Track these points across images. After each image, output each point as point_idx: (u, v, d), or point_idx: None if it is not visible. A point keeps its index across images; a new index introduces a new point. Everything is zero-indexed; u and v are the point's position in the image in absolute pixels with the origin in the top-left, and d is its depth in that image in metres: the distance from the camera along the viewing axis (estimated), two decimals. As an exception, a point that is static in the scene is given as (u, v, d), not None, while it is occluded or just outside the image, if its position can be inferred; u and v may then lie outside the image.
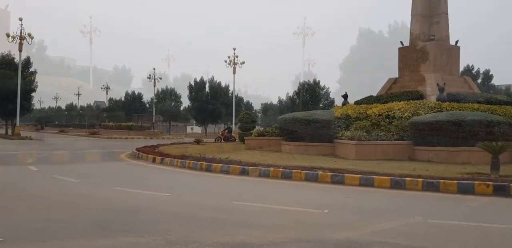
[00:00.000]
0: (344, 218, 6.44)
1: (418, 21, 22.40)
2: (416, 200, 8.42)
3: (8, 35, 37.66)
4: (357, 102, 22.24)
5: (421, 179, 9.58)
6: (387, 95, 21.23)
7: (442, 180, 9.39)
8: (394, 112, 17.70)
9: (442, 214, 6.92)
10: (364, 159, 14.01)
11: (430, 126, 14.20)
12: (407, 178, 9.71)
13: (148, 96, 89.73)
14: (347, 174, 10.42)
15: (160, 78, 63.69)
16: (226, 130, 32.78)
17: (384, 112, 18.00)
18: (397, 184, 9.66)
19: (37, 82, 43.59)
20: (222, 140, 30.80)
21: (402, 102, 18.35)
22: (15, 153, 19.92)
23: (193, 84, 70.43)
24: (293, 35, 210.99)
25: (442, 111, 16.41)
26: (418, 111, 17.09)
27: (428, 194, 8.97)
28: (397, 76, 23.46)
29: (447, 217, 6.57)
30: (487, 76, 58.71)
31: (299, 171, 11.11)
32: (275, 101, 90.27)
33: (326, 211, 6.87)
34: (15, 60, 42.03)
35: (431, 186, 9.36)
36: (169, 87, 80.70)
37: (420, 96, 19.83)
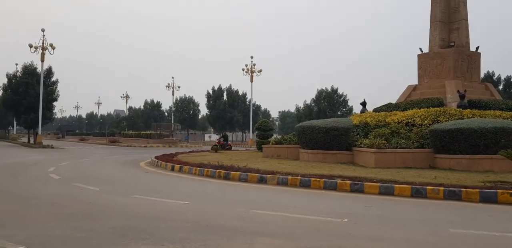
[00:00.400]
0: (364, 227, 6.36)
1: (437, 28, 22.20)
2: (438, 209, 8.28)
3: (30, 46, 38.62)
4: (376, 110, 22.07)
5: (442, 188, 9.42)
6: (407, 103, 21.01)
7: (464, 189, 9.23)
8: (414, 120, 17.50)
9: (465, 224, 6.78)
10: (383, 167, 13.85)
11: (451, 134, 13.98)
12: (428, 187, 9.57)
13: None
14: (366, 183, 10.32)
15: (179, 87, 64.22)
16: (222, 138, 31.59)
17: (403, 120, 17.82)
18: (418, 192, 9.52)
19: (58, 91, 44.47)
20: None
21: (422, 110, 18.14)
22: (37, 161, 20.27)
23: (211, 92, 70.94)
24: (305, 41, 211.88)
25: (463, 119, 16.17)
26: (438, 119, 16.87)
27: (449, 203, 8.82)
28: (415, 82, 23.25)
29: (470, 227, 6.43)
30: (509, 82, 57.71)
31: (318, 179, 11.04)
32: (292, 108, 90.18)
33: (346, 220, 6.79)
34: (38, 70, 42.97)
35: (452, 194, 9.21)
36: (187, 96, 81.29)
37: (441, 103, 19.59)
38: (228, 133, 48.55)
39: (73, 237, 5.43)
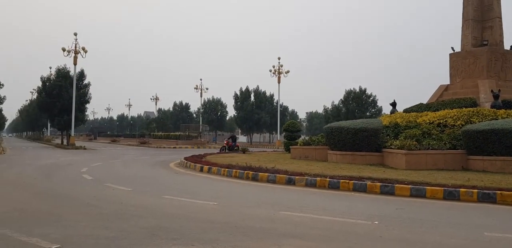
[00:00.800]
0: (395, 230, 6.25)
1: (470, 26, 21.70)
2: (472, 212, 8.08)
3: (63, 50, 39.69)
4: (406, 110, 21.72)
5: (476, 190, 9.20)
6: (438, 103, 20.60)
7: (499, 191, 8.98)
8: (446, 120, 17.14)
9: (500, 227, 6.59)
10: (414, 169, 13.60)
11: (485, 135, 13.61)
12: (461, 189, 9.35)
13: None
14: (397, 185, 10.16)
15: (207, 88, 64.71)
16: (230, 139, 30.61)
17: (435, 120, 17.47)
18: (451, 195, 9.31)
19: (90, 93, 45.50)
20: (227, 150, 29.54)
21: (454, 110, 17.74)
22: (71, 162, 20.80)
23: (238, 93, 71.18)
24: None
25: (497, 119, 15.73)
26: (471, 119, 16.47)
27: (484, 206, 8.61)
28: (448, 82, 22.76)
29: (505, 230, 6.26)
30: (546, 81, 55.71)
31: (347, 181, 10.94)
32: (320, 109, 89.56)
33: (376, 222, 6.70)
34: (70, 73, 44.10)
35: (487, 197, 8.98)
36: (215, 97, 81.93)
37: (474, 104, 19.12)
38: (257, 134, 48.16)
39: (105, 237, 5.55)
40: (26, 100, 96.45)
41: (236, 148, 30.46)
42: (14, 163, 20.09)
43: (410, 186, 9.96)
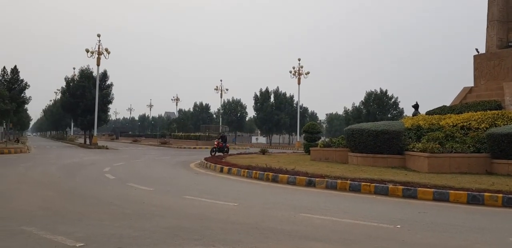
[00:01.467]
0: (418, 234, 6.17)
1: (495, 27, 21.27)
2: (496, 216, 7.93)
3: (87, 51, 40.41)
4: (429, 113, 21.41)
5: (501, 195, 9.02)
6: (462, 105, 20.26)
7: (525, 196, 8.78)
8: (469, 123, 16.84)
9: (527, 233, 6.44)
10: (437, 172, 13.40)
11: (510, 138, 13.31)
12: (486, 193, 9.18)
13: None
14: (419, 188, 10.02)
15: (227, 89, 65.01)
16: (221, 139, 28.40)
17: (459, 123, 17.18)
18: (475, 199, 9.14)
19: (113, 94, 46.14)
20: (217, 152, 27.16)
21: (478, 113, 17.42)
22: (93, 161, 21.14)
23: (258, 94, 71.28)
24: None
25: (523, 122, 15.37)
26: (496, 122, 16.15)
27: (509, 211, 8.45)
28: (472, 84, 22.35)
29: (533, 237, 6.10)
30: None
31: (368, 183, 10.84)
32: (340, 111, 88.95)
33: (399, 226, 6.63)
34: (93, 74, 44.82)
35: (512, 202, 8.78)
36: (235, 98, 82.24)
37: (498, 106, 18.73)
38: (277, 135, 47.55)
39: (128, 236, 5.63)
40: (50, 100, 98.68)
41: (226, 149, 28.28)
42: (39, 162, 20.53)
43: (433, 189, 9.81)
